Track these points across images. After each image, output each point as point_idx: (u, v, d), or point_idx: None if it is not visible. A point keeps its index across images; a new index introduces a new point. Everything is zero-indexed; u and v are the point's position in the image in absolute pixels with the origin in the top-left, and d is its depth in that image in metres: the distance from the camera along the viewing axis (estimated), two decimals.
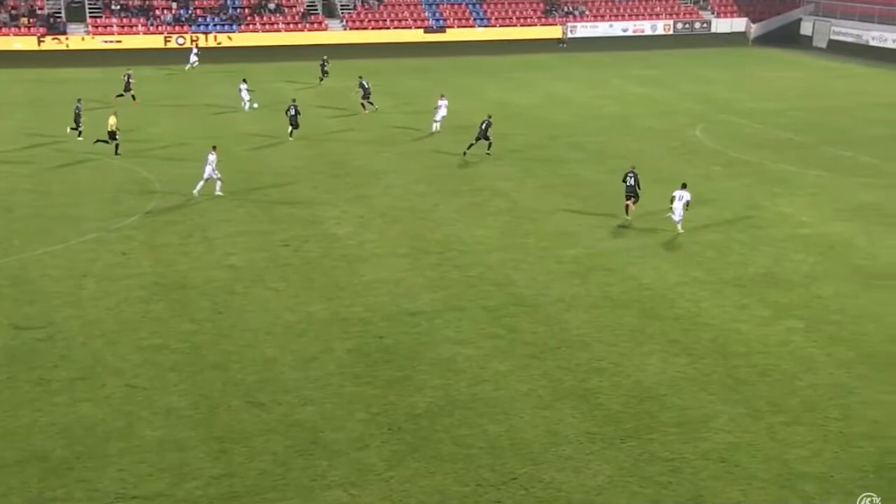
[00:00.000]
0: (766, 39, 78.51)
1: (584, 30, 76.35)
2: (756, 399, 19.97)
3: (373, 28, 72.99)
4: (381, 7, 75.06)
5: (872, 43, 71.12)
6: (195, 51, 63.56)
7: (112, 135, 39.06)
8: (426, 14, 75.21)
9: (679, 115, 49.48)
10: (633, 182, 31.48)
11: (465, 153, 40.02)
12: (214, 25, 70.88)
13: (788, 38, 77.99)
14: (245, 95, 49.42)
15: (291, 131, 42.75)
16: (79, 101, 42.72)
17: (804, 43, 77.39)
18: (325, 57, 59.58)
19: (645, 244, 29.39)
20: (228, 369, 21.22)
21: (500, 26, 74.91)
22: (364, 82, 49.58)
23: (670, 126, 47.01)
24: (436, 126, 44.44)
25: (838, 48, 73.39)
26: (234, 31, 70.55)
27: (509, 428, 18.91)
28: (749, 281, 26.36)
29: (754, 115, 49.52)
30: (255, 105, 49.46)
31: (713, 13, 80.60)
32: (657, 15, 78.89)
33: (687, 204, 30.39)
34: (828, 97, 55.56)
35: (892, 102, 53.69)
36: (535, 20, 76.27)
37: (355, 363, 21.60)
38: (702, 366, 21.39)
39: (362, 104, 49.00)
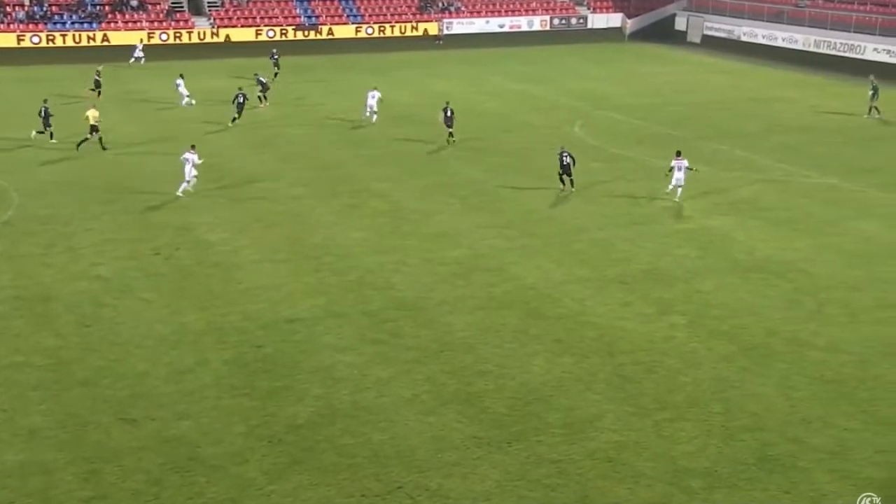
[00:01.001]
0: (641, 35, 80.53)
1: (460, 26, 76.93)
2: (642, 396, 20.43)
3: (242, 25, 71.90)
4: (251, 4, 74.04)
5: (744, 38, 73.71)
6: (140, 46, 64.11)
7: (94, 129, 39.92)
8: (298, 11, 74.54)
9: (558, 112, 50.30)
10: (569, 161, 34.58)
11: (449, 140, 42.27)
12: (72, 23, 68.66)
13: (664, 33, 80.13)
14: (183, 91, 49.82)
15: (234, 119, 45.02)
16: (45, 101, 42.52)
17: (679, 38, 79.64)
18: (275, 50, 60.14)
19: (528, 244, 29.76)
20: (97, 385, 20.56)
21: (375, 22, 74.82)
22: (261, 78, 50.72)
23: (550, 122, 47.75)
24: (368, 114, 46.52)
25: (712, 43, 75.80)
26: (93, 30, 68.49)
27: (393, 435, 18.86)
28: (632, 278, 26.96)
29: (632, 111, 50.73)
30: (193, 101, 49.64)
31: (589, 9, 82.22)
32: (533, 11, 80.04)
33: (688, 170, 33.79)
34: (703, 92, 57.35)
35: (763, 97, 55.77)
36: (411, 16, 76.43)
37: (232, 374, 21.21)
38: (587, 365, 21.77)
39: (259, 97, 49.70)
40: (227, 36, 70.50)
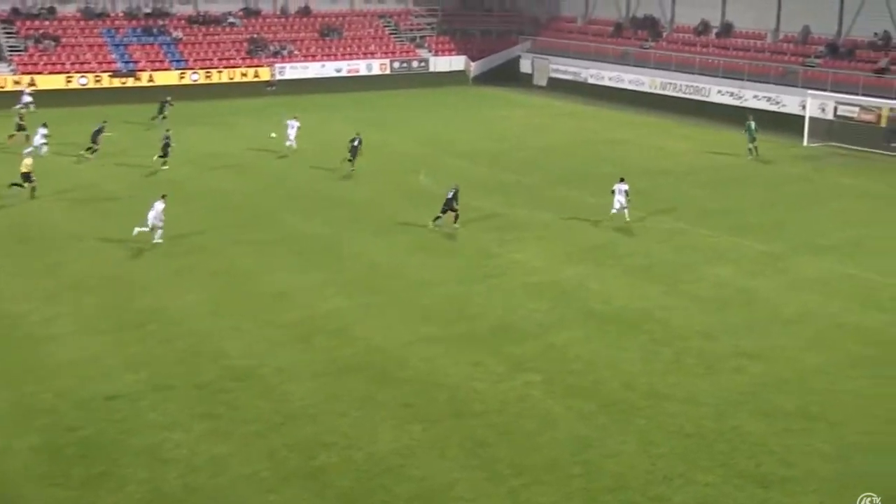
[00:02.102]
0: (486, 78, 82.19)
1: (293, 71, 76.72)
2: (496, 462, 20.40)
3: (49, 72, 69.56)
4: (59, 48, 71.84)
5: (591, 80, 76.13)
6: (27, 91, 62.89)
7: (27, 176, 41.03)
8: (113, 55, 72.78)
9: (402, 159, 50.60)
10: (451, 195, 36.90)
11: (350, 166, 46.22)
12: None
13: (509, 76, 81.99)
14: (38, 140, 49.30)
15: (163, 161, 46.90)
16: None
17: (525, 81, 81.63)
18: (169, 98, 60.04)
19: (372, 302, 29.59)
20: None
21: (201, 68, 73.85)
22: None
23: (393, 170, 47.96)
24: (289, 143, 50.70)
25: (559, 86, 78.00)
26: None
27: None
28: (484, 334, 27.09)
29: (479, 157, 51.52)
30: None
31: (431, 51, 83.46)
32: (372, 54, 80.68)
33: (626, 193, 37.66)
34: (551, 135, 58.81)
35: (611, 139, 57.60)
36: (240, 61, 75.80)
37: (42, 462, 20.11)
38: (438, 430, 21.63)
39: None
40: (32, 80, 67.82)
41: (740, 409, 22.75)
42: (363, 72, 79.25)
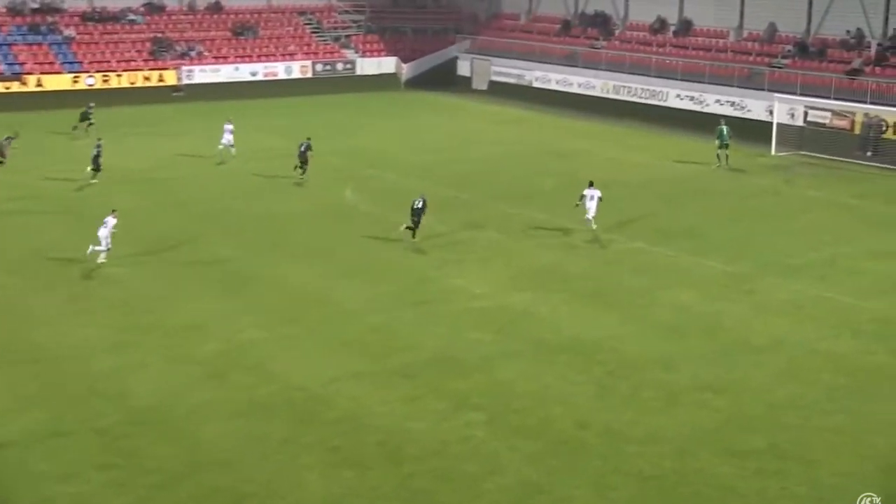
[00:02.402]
0: (420, 81, 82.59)
1: (203, 74, 76.45)
2: None
3: None
4: None
5: (536, 84, 76.89)
6: None
7: None
8: None
9: (326, 173, 50.57)
10: (420, 206, 38.29)
11: (300, 174, 48.08)
12: None
13: (445, 79, 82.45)
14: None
15: (94, 174, 47.06)
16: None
17: (463, 85, 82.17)
18: (92, 105, 59.53)
19: (293, 333, 29.58)
20: None
21: (97, 71, 73.20)
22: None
23: (316, 186, 47.95)
24: (222, 147, 52.68)
25: (500, 90, 78.60)
26: None
27: None
28: (420, 368, 27.19)
29: (412, 170, 51.69)
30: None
31: (357, 52, 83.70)
32: (292, 55, 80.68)
33: (600, 199, 39.47)
34: (492, 146, 59.25)
35: (558, 150, 58.19)
36: (142, 63, 75.33)
37: None
38: (371, 477, 21.67)
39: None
40: None
41: (705, 449, 23.10)
42: (282, 75, 79.21)
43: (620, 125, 65.93)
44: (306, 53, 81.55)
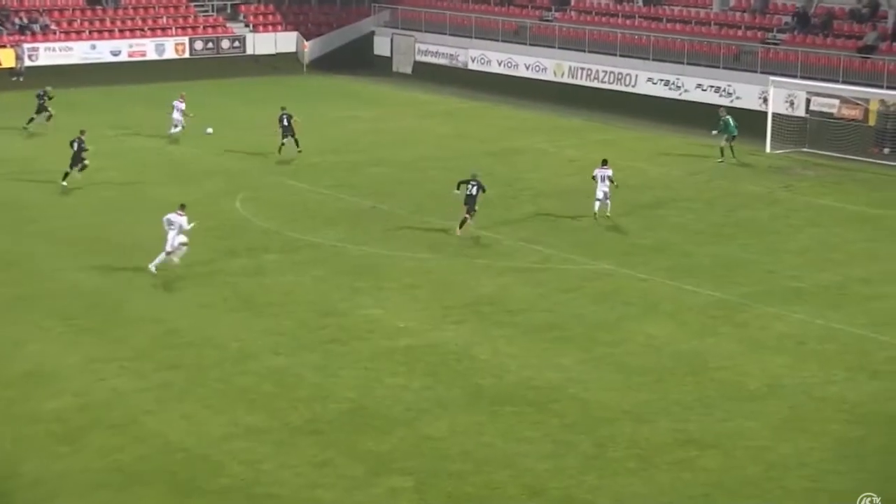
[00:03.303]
0: (327, 63, 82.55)
1: (50, 54, 75.75)
2: None
3: None
4: None
5: (473, 66, 77.24)
6: None
7: None
8: None
9: (212, 178, 50.42)
10: (475, 191, 41.74)
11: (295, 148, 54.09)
12: None
13: (359, 60, 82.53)
14: None
15: (81, 168, 48.65)
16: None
17: (382, 67, 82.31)
18: (47, 89, 61.01)
19: (171, 381, 29.42)
20: None
21: None
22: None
23: (199, 195, 47.72)
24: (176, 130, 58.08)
25: (428, 73, 78.81)
26: None
27: None
28: (330, 424, 27.15)
29: (319, 175, 51.67)
30: None
31: (248, 26, 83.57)
32: (164, 30, 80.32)
33: (611, 180, 43.93)
34: (418, 144, 59.42)
35: (502, 148, 58.44)
36: None
37: None
38: None
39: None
40: None
41: None
42: (152, 55, 78.90)
43: (579, 116, 66.47)
44: (182, 28, 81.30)
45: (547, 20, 76.32)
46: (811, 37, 64.39)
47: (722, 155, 54.63)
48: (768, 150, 57.49)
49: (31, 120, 59.85)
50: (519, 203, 47.71)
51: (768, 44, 65.21)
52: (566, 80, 72.25)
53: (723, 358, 31.61)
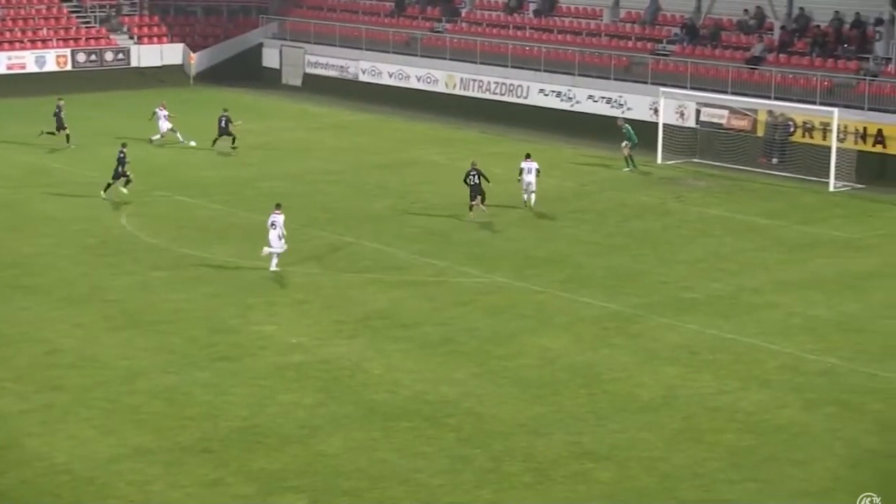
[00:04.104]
0: (215, 75, 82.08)
1: None
2: None
3: None
4: None
5: (364, 78, 77.25)
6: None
7: None
8: None
9: (95, 193, 49.88)
10: (476, 180, 46.02)
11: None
12: None
13: (247, 72, 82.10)
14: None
15: (126, 182, 49.41)
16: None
17: (271, 79, 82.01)
18: (61, 101, 61.06)
19: (54, 402, 29.10)
20: None
21: None
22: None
23: (83, 211, 47.28)
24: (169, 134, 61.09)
25: (319, 85, 78.66)
26: None
27: None
28: (221, 442, 26.98)
29: (209, 189, 51.38)
30: None
31: (132, 38, 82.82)
32: (45, 42, 79.34)
33: (538, 172, 48.22)
34: (309, 158, 59.33)
35: (395, 161, 58.59)
36: None
37: None
38: None
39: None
40: None
41: None
42: (32, 68, 77.90)
43: (471, 128, 66.78)
44: (64, 40, 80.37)
45: (438, 31, 76.54)
46: (700, 48, 65.26)
47: (627, 164, 55.27)
48: (659, 160, 58.18)
49: (50, 132, 59.99)
50: (412, 216, 47.81)
51: (658, 55, 65.99)
52: (458, 91, 72.53)
53: (617, 369, 31.93)
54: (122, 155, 48.98)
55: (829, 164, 54.09)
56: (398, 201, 49.81)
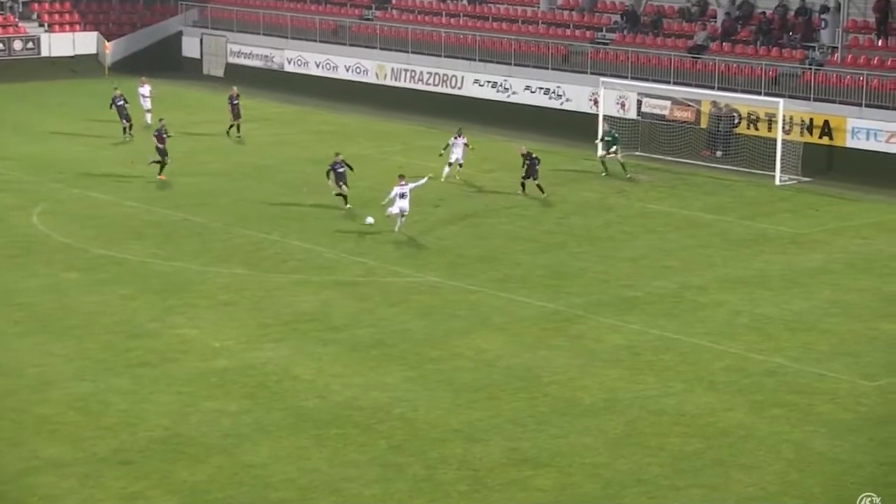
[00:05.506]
0: (132, 64, 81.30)
1: None
2: None
3: None
4: None
5: (290, 68, 76.97)
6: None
7: None
8: None
9: (2, 191, 49.51)
10: (534, 159, 50.11)
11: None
12: None
13: (167, 62, 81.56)
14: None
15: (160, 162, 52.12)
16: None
17: (191, 69, 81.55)
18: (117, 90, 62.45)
19: None
20: None
21: None
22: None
23: None
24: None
25: (242, 76, 78.02)
26: None
27: None
28: (141, 453, 26.82)
29: (126, 186, 51.05)
30: None
31: (43, 26, 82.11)
32: None
33: (467, 145, 52.42)
34: (234, 153, 59.19)
35: (320, 157, 58.15)
36: None
37: None
38: None
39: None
40: None
41: None
42: None
43: (405, 121, 66.76)
44: None
45: (367, 19, 76.43)
46: (641, 36, 65.51)
47: (625, 170, 55.00)
48: (600, 153, 58.26)
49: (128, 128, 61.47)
50: (340, 213, 47.65)
51: (598, 44, 66.18)
52: (389, 82, 72.47)
53: (557, 372, 32.00)
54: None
55: (774, 156, 54.53)
56: (327, 198, 49.66)
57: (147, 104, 62.33)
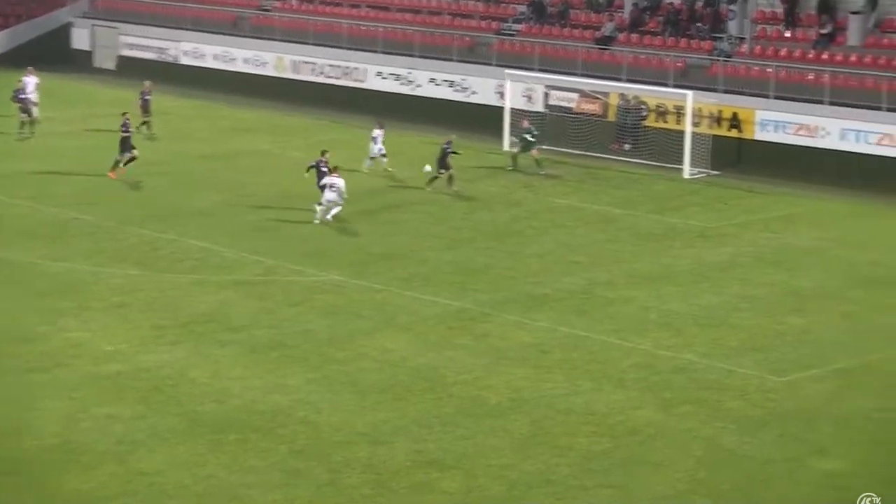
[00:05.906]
0: (17, 57, 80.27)
1: None
2: None
3: None
4: None
5: (186, 60, 76.60)
6: None
7: None
8: None
9: None
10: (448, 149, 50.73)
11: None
12: None
13: (56, 54, 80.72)
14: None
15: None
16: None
17: (81, 62, 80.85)
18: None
19: None
20: None
21: None
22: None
23: None
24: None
25: (136, 69, 77.42)
26: None
27: None
28: (28, 462, 26.55)
29: (14, 186, 50.50)
30: None
31: None
32: None
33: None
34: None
35: (218, 152, 58.23)
36: None
37: None
38: None
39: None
40: None
41: None
42: None
43: (304, 115, 66.64)
44: None
45: (266, 10, 76.23)
46: (548, 27, 65.88)
47: (539, 166, 55.15)
48: (506, 147, 58.49)
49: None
50: (240, 210, 47.52)
51: (503, 35, 66.46)
52: (289, 75, 72.33)
53: (462, 371, 32.07)
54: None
55: (683, 149, 55.04)
56: (225, 195, 49.47)
57: (34, 97, 61.01)
